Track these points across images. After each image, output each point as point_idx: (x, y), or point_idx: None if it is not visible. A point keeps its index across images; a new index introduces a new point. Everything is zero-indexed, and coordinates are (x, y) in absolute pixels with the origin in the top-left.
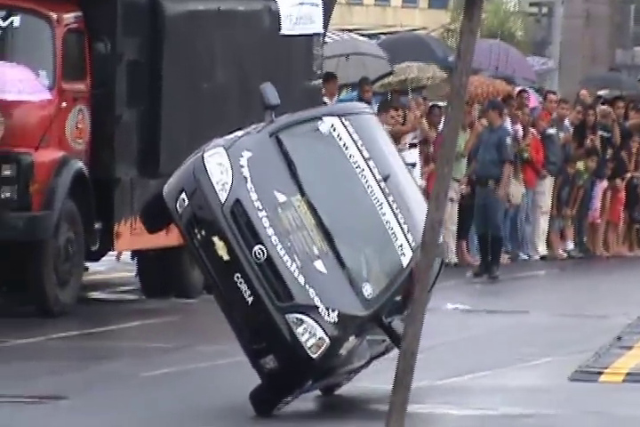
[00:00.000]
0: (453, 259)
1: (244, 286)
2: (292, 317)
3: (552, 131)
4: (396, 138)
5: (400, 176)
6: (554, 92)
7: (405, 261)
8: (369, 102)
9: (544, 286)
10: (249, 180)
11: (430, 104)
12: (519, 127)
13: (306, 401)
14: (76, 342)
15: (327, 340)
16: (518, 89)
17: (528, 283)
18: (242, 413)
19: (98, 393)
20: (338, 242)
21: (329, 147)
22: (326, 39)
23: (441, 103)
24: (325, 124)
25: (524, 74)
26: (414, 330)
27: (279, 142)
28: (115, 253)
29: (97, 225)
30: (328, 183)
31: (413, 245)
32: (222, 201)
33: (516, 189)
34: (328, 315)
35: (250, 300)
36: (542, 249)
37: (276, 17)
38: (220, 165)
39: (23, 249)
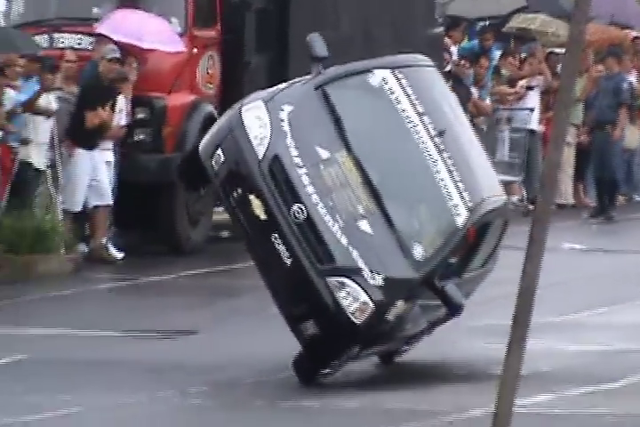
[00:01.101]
0: (570, 200)
1: (282, 247)
2: (333, 280)
3: None
4: (513, 83)
5: (460, 132)
6: None
7: (460, 222)
8: (487, 50)
9: None
10: (289, 135)
11: (548, 51)
12: (634, 73)
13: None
14: (205, 280)
15: (371, 304)
16: (633, 35)
17: None
18: None
19: (226, 328)
20: (386, 201)
21: (379, 101)
22: None
23: (558, 50)
24: (376, 77)
25: None
26: (533, 268)
27: (325, 96)
28: None
29: None
30: (377, 139)
31: (470, 204)
32: (260, 157)
33: (631, 134)
34: (373, 278)
35: (288, 262)
36: None
37: None
38: (259, 119)
39: (156, 190)
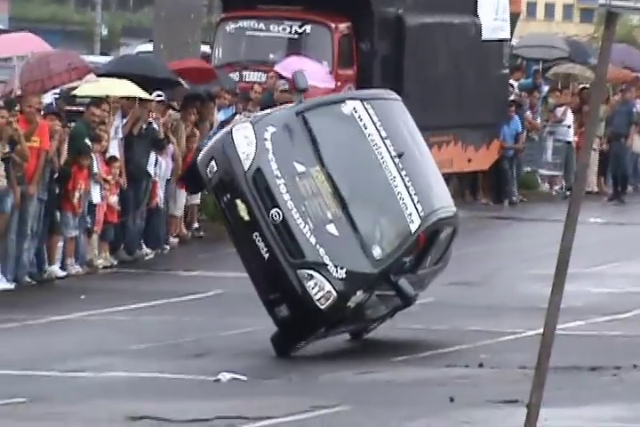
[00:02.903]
0: (595, 188)
1: (261, 244)
2: (303, 272)
3: None
4: (557, 108)
5: (417, 155)
6: None
7: (414, 228)
8: (538, 86)
9: None
10: (270, 151)
11: (581, 87)
12: (638, 102)
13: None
14: None
15: (334, 293)
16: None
17: None
18: None
19: None
20: (352, 209)
21: (349, 126)
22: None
23: (587, 86)
24: (348, 107)
25: None
26: (569, 235)
27: (305, 120)
28: None
29: None
30: (346, 157)
31: (422, 213)
32: (245, 169)
33: (637, 143)
34: (336, 271)
35: (266, 256)
36: None
37: (478, 27)
38: (246, 138)
39: None
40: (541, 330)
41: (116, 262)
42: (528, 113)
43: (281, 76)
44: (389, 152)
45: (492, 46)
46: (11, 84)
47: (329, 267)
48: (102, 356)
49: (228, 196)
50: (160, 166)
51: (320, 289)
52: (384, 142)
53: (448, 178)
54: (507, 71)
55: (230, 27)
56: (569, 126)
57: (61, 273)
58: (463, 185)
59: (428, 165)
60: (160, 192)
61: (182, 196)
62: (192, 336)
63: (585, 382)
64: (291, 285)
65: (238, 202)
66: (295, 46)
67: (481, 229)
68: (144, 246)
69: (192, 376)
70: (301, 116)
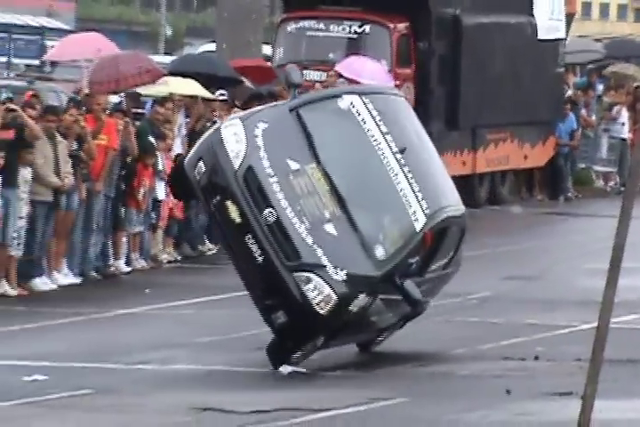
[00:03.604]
0: None
1: (254, 247)
2: (299, 275)
3: None
4: (613, 107)
5: (421, 151)
6: None
7: (418, 226)
8: (593, 84)
9: None
10: (262, 148)
11: (635, 85)
12: None
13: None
14: None
15: (335, 297)
16: None
17: None
18: None
19: None
20: (351, 207)
21: (347, 121)
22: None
23: None
24: (345, 101)
25: None
26: (623, 228)
27: (299, 116)
28: None
29: None
30: (344, 154)
31: (428, 211)
32: (236, 168)
33: None
34: (336, 273)
35: (260, 259)
36: None
37: (534, 27)
38: (236, 135)
39: None
40: (596, 323)
41: (179, 257)
42: (583, 111)
43: (340, 75)
44: (390, 148)
45: (547, 46)
46: (79, 84)
47: (328, 269)
48: (167, 349)
49: (218, 197)
50: None
51: (319, 293)
52: (384, 138)
53: (504, 174)
54: (562, 70)
55: (291, 27)
56: (623, 124)
57: (126, 268)
58: (519, 181)
59: (434, 162)
60: None
61: None
62: (254, 330)
63: (639, 374)
64: (287, 289)
65: (229, 203)
66: (355, 46)
67: (537, 225)
68: (207, 242)
69: (254, 369)
70: (295, 112)
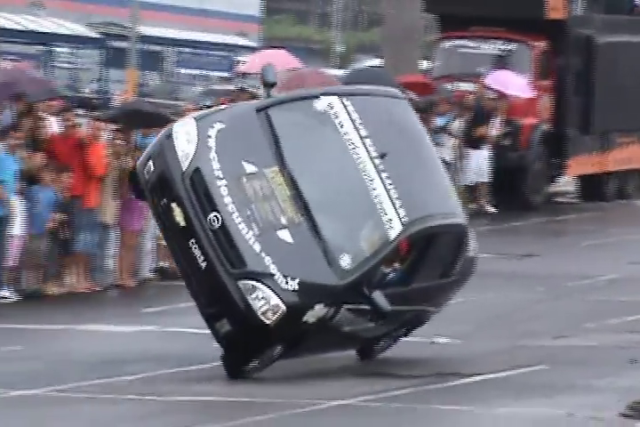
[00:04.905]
0: None
1: (197, 252)
2: (244, 283)
3: None
4: None
5: (408, 157)
6: None
7: (393, 235)
8: None
9: None
10: (213, 149)
11: None
12: None
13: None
14: (543, 225)
15: (283, 307)
16: None
17: None
18: None
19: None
20: (316, 214)
21: (322, 124)
22: None
23: None
24: (322, 103)
25: None
26: None
27: (267, 117)
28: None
29: (554, 160)
30: (314, 157)
31: (405, 219)
32: (183, 169)
33: None
34: (286, 282)
35: (203, 265)
36: None
37: None
38: (187, 135)
39: (514, 171)
40: None
41: None
42: None
43: (488, 87)
44: (369, 152)
45: None
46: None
47: (276, 278)
48: None
49: (165, 199)
50: None
51: (265, 302)
52: (363, 142)
53: (630, 173)
54: None
55: (446, 45)
56: None
57: None
58: None
59: (425, 168)
60: None
61: None
62: None
63: None
64: (230, 297)
65: (174, 206)
66: (501, 61)
67: None
68: None
69: (412, 339)
70: (263, 113)
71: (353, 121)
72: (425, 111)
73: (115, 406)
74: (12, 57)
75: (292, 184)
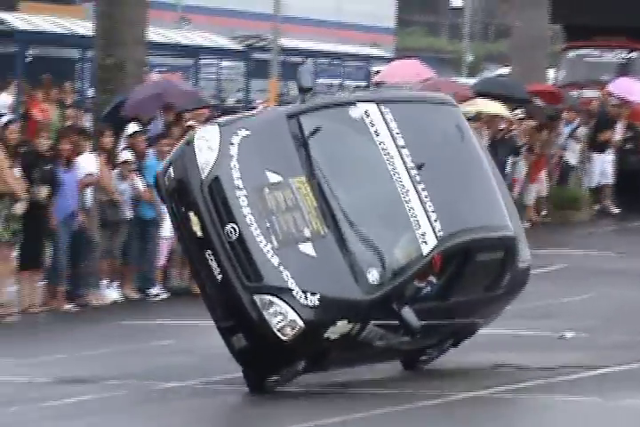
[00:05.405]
0: None
1: (214, 264)
2: (260, 297)
3: None
4: None
5: (449, 167)
6: None
7: (426, 250)
8: None
9: None
10: (235, 158)
11: None
12: None
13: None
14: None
15: (301, 323)
16: None
17: None
18: None
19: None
20: (343, 226)
21: (356, 132)
22: None
23: None
24: (358, 110)
25: None
26: None
27: (298, 124)
28: None
29: None
30: (346, 168)
31: (440, 233)
32: (202, 177)
33: None
34: (305, 298)
35: (219, 277)
36: None
37: None
38: (208, 142)
39: (636, 173)
40: None
41: None
42: None
43: (611, 94)
44: (404, 163)
45: None
46: None
47: (295, 292)
48: None
49: (183, 208)
50: (515, 167)
51: (283, 318)
52: (399, 151)
53: None
54: None
55: (572, 54)
56: None
57: None
58: None
59: (470, 179)
60: (517, 186)
61: (532, 189)
62: (539, 302)
63: None
64: (246, 311)
65: (191, 215)
66: (623, 69)
67: None
68: None
69: (541, 333)
70: (295, 120)
71: (390, 129)
72: (553, 119)
73: (264, 397)
74: (162, 68)
75: (320, 195)
